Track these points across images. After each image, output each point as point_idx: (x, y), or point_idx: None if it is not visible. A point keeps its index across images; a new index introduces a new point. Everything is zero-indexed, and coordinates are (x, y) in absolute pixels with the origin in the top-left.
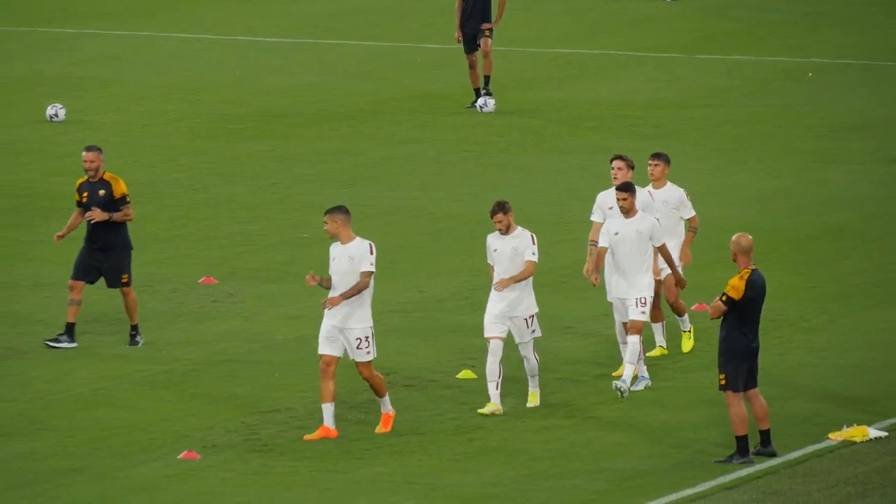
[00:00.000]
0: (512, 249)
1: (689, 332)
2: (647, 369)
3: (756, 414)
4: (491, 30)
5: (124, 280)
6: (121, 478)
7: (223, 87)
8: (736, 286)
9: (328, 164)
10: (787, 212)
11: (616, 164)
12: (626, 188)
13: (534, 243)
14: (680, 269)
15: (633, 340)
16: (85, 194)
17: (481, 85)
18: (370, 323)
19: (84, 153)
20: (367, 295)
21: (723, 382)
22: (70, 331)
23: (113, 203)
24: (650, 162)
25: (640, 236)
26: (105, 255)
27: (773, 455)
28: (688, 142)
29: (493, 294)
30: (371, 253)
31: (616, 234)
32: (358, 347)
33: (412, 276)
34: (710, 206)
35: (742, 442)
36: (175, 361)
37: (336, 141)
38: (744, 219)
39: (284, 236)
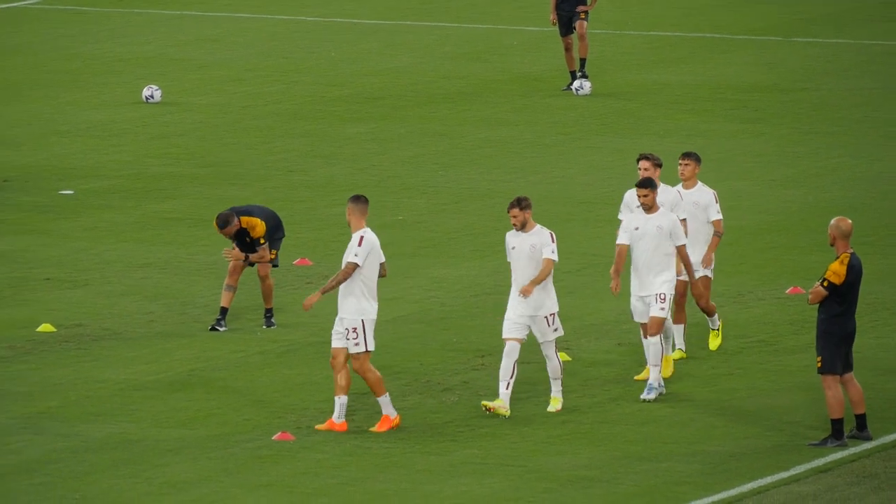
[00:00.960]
0: (530, 247)
1: (718, 329)
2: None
3: (852, 398)
4: (586, 12)
5: (272, 256)
6: (215, 458)
7: (322, 69)
8: (837, 271)
9: (426, 147)
10: (885, 195)
11: (643, 164)
12: (647, 184)
13: (553, 241)
14: (702, 273)
15: (654, 341)
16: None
17: (577, 67)
18: (363, 315)
19: None
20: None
21: (820, 365)
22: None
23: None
24: (680, 161)
25: (661, 232)
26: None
27: (868, 439)
28: (786, 125)
29: (514, 295)
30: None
31: (636, 229)
32: (346, 338)
33: (499, 259)
34: (807, 189)
35: (837, 425)
36: (270, 343)
37: (434, 123)
38: (842, 202)
39: (382, 219)
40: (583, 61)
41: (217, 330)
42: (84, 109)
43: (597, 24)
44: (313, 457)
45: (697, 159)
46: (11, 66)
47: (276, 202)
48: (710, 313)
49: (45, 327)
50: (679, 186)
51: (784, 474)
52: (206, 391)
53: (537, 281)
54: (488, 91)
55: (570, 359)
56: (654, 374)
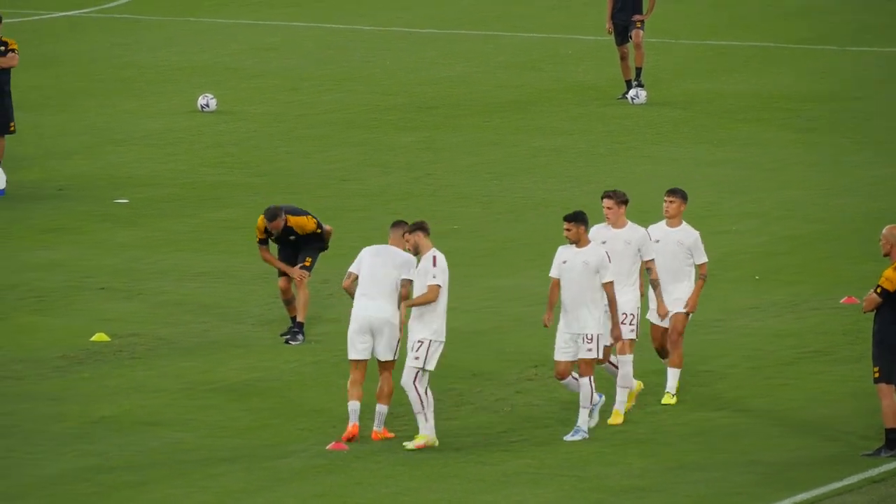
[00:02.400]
0: (583, 264)
1: (674, 393)
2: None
3: None
4: (642, 21)
5: (306, 263)
6: (270, 468)
7: (377, 78)
8: (891, 277)
9: (480, 156)
10: None
11: (605, 202)
12: (571, 218)
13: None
14: (679, 310)
15: (584, 382)
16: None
17: (633, 76)
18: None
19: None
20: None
21: (877, 375)
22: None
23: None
24: (666, 198)
25: (587, 268)
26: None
27: None
28: (840, 134)
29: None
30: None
31: (564, 262)
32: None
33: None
34: (861, 198)
35: (892, 435)
36: (325, 353)
37: (488, 132)
38: None
39: (437, 227)
40: (638, 70)
41: (294, 343)
42: (139, 118)
43: (653, 33)
44: (367, 467)
45: (684, 197)
46: (66, 74)
47: (330, 211)
48: (676, 363)
49: (100, 336)
50: (662, 224)
51: (837, 484)
52: (260, 401)
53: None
54: (543, 100)
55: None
56: (582, 417)
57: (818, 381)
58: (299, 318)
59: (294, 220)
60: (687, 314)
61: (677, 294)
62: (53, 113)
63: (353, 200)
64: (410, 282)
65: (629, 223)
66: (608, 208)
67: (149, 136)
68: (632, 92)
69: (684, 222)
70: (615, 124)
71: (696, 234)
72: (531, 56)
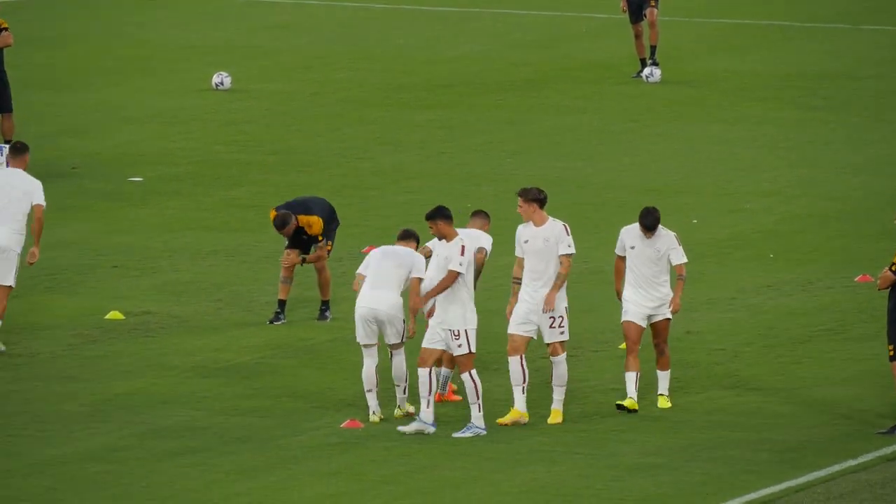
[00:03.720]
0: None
1: (667, 395)
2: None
3: None
4: (657, 0)
5: (328, 247)
6: (284, 446)
7: (390, 57)
8: None
9: (494, 134)
10: None
11: (519, 201)
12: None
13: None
14: (665, 316)
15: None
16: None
17: (647, 55)
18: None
19: None
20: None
21: (892, 353)
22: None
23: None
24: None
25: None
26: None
27: None
28: (854, 113)
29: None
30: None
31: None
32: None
33: (577, 247)
34: (876, 177)
35: None
36: (339, 330)
37: (502, 110)
38: None
39: (451, 206)
40: (653, 49)
41: (275, 323)
42: (153, 96)
43: (667, 12)
44: (381, 444)
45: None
46: (80, 52)
47: (344, 189)
48: (664, 365)
49: (114, 315)
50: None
51: (852, 462)
52: (273, 379)
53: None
54: (557, 78)
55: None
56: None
57: (832, 359)
58: (324, 297)
59: (305, 220)
60: (669, 319)
61: (659, 298)
62: (67, 91)
63: (366, 179)
64: (420, 280)
65: (550, 219)
66: (518, 207)
67: (162, 115)
68: (646, 70)
69: (660, 226)
70: (630, 102)
71: (673, 234)
72: (546, 34)
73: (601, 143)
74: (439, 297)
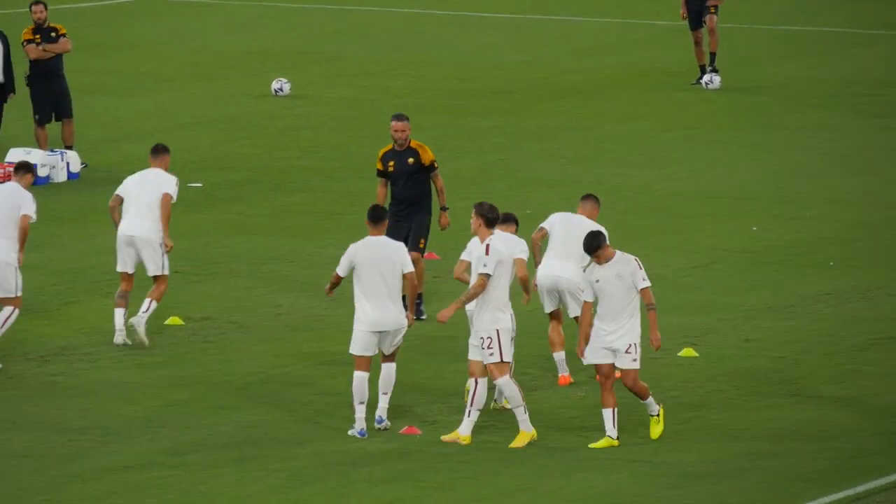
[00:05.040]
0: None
1: (659, 416)
2: None
3: None
4: (716, 6)
5: (421, 245)
6: (341, 451)
7: (449, 63)
8: None
9: (553, 141)
10: None
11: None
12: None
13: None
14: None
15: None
16: (391, 163)
17: (707, 62)
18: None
19: (394, 122)
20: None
21: None
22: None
23: (423, 170)
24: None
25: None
26: (408, 220)
27: None
28: None
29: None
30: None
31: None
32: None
33: (635, 254)
34: None
35: None
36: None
37: (561, 117)
38: None
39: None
40: (712, 55)
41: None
42: (212, 102)
43: (727, 18)
44: (440, 451)
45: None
46: (139, 58)
47: None
48: (642, 396)
49: (174, 320)
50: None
51: None
52: (332, 385)
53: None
54: (617, 85)
55: (697, 355)
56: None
57: (892, 367)
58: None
59: (417, 144)
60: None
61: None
62: (127, 97)
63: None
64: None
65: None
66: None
67: (222, 121)
68: (706, 77)
69: (617, 251)
70: (689, 109)
71: (633, 258)
72: (605, 41)
73: (660, 150)
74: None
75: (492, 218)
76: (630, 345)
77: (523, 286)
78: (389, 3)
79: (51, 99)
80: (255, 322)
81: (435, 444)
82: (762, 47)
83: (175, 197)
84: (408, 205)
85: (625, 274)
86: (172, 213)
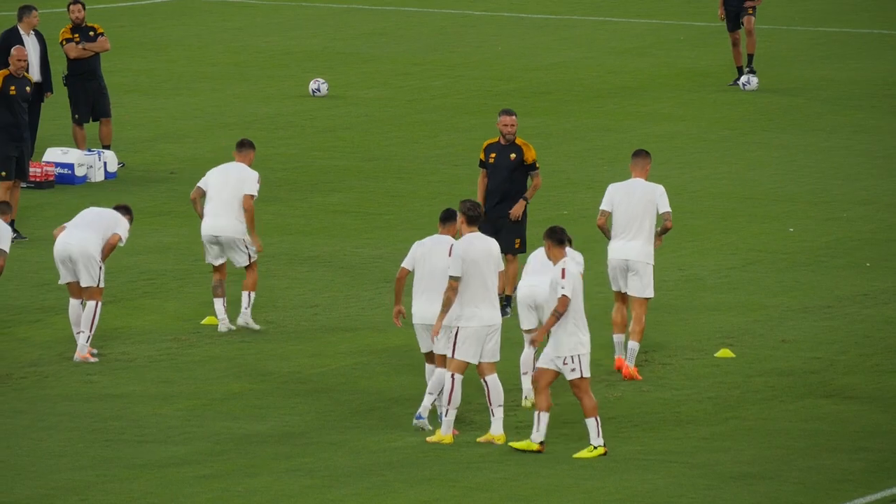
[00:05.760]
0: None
1: (594, 448)
2: None
3: None
4: (754, 7)
5: (517, 245)
6: (379, 451)
7: (488, 64)
8: None
9: (592, 141)
10: None
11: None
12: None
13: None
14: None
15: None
16: (493, 155)
17: (744, 63)
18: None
19: (503, 116)
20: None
21: None
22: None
23: (523, 167)
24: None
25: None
26: (504, 220)
27: None
28: None
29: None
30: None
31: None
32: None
33: (673, 254)
34: None
35: None
36: None
37: (600, 118)
38: None
39: (547, 213)
40: (750, 57)
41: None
42: (250, 102)
43: (764, 20)
44: (476, 451)
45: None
46: (178, 58)
47: (440, 196)
48: (585, 412)
49: (210, 320)
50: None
51: None
52: (369, 384)
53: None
54: (654, 86)
55: (734, 355)
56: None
57: None
58: (507, 292)
59: (521, 142)
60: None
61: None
62: (166, 97)
63: (463, 186)
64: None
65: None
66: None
67: (260, 121)
68: (743, 78)
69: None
70: (726, 110)
71: (561, 265)
72: (643, 42)
73: (698, 150)
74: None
75: (473, 216)
76: (565, 357)
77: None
78: (428, 4)
79: (89, 98)
80: (292, 322)
81: (471, 445)
82: (800, 48)
83: (256, 194)
84: (502, 199)
85: (553, 279)
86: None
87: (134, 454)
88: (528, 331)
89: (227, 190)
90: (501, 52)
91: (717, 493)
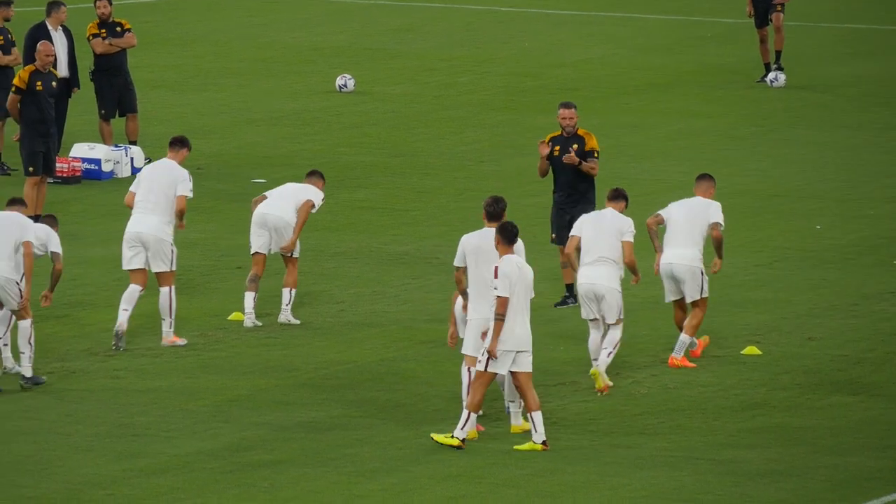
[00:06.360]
0: None
1: (532, 443)
2: None
3: None
4: (783, 4)
5: None
6: (404, 447)
7: (514, 60)
8: None
9: (618, 138)
10: None
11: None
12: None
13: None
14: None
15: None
16: (556, 148)
17: (772, 60)
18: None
19: (561, 110)
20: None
21: None
22: (570, 291)
23: (585, 156)
24: None
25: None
26: (575, 208)
27: None
28: None
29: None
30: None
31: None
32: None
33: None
34: None
35: None
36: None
37: (626, 115)
38: None
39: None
40: (778, 53)
41: (561, 307)
42: (277, 98)
43: (792, 17)
44: (502, 447)
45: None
46: (203, 53)
47: (467, 192)
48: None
49: (236, 316)
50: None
51: None
52: (395, 381)
53: None
54: (682, 83)
55: (760, 353)
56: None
57: None
58: (568, 281)
59: (584, 132)
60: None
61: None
62: (192, 92)
63: (489, 182)
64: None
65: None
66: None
67: (286, 116)
68: (771, 75)
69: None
70: (754, 107)
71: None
72: (670, 38)
73: (725, 147)
74: None
75: (492, 212)
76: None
77: (631, 270)
78: (454, 0)
79: (115, 94)
80: (319, 318)
81: (498, 441)
82: (827, 45)
83: (317, 207)
84: (570, 193)
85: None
86: (235, 209)
87: (160, 449)
88: (593, 320)
89: (292, 183)
90: (528, 48)
91: (744, 491)
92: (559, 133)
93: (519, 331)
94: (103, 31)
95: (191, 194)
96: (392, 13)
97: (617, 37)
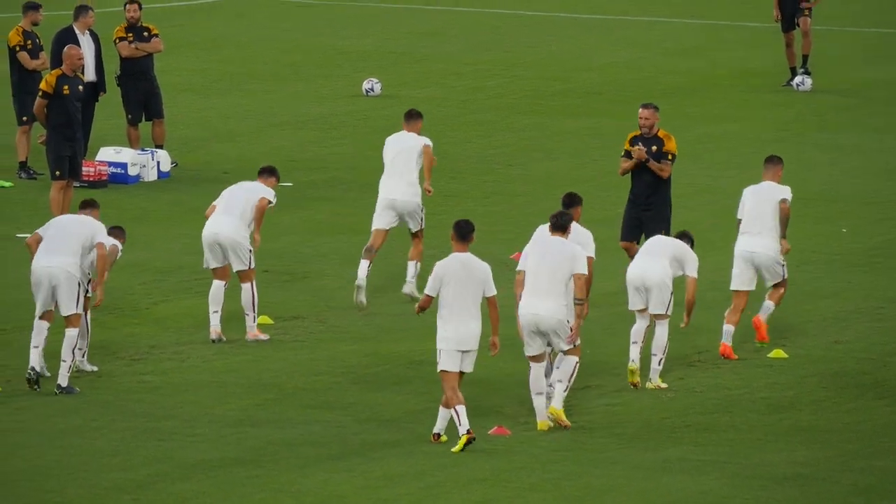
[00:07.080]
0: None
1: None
2: None
3: None
4: (810, 8)
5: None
6: (431, 452)
7: (542, 64)
8: None
9: None
10: None
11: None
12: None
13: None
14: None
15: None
16: (636, 147)
17: (798, 64)
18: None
19: (641, 110)
20: None
21: None
22: None
23: (662, 157)
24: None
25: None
26: (648, 213)
27: None
28: None
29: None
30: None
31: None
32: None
33: (727, 254)
34: None
35: None
36: (486, 337)
37: None
38: None
39: (602, 213)
40: (805, 57)
41: None
42: (303, 102)
43: (819, 20)
44: (529, 451)
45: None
46: (229, 58)
47: (494, 196)
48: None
49: (263, 319)
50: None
51: None
52: (423, 385)
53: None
54: (708, 87)
55: (787, 356)
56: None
57: None
58: None
59: (664, 134)
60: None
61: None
62: (219, 96)
63: (516, 186)
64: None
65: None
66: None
67: (313, 120)
68: (797, 79)
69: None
70: (780, 111)
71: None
72: (697, 42)
73: (751, 151)
74: None
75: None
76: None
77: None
78: (481, 4)
79: (141, 98)
80: (345, 322)
81: (524, 445)
82: (853, 49)
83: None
84: (646, 195)
85: None
86: (266, 213)
87: (186, 454)
88: (641, 311)
89: (405, 163)
90: (555, 51)
91: (770, 495)
92: (639, 133)
93: (462, 330)
94: (130, 35)
95: (273, 200)
96: (418, 17)
97: (643, 41)
